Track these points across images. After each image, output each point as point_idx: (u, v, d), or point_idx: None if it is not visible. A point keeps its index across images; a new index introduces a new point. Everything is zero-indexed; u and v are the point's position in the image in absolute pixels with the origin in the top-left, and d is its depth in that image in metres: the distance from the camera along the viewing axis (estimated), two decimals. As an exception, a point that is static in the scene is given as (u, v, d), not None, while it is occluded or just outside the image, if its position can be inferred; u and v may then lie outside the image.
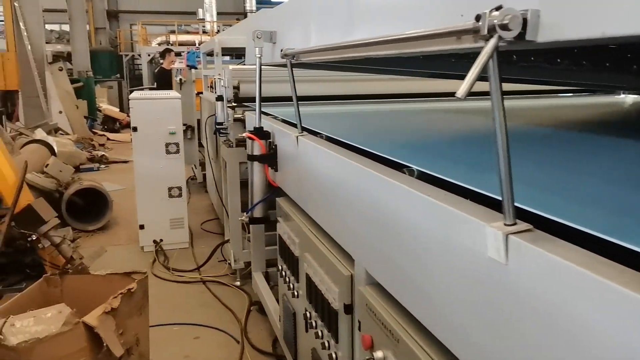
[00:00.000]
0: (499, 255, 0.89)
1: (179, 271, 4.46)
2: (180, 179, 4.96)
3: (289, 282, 2.44)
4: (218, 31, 19.79)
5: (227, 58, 7.27)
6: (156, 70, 11.17)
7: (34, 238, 4.10)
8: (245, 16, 23.28)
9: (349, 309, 1.69)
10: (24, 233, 4.11)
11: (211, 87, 6.30)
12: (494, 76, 0.85)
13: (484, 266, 0.94)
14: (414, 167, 1.47)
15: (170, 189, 4.92)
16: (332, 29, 1.86)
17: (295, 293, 2.31)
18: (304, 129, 2.26)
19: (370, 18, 1.58)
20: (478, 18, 0.84)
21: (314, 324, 2.02)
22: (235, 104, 4.03)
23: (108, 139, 12.74)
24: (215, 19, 20.78)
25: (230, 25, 20.02)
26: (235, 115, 3.93)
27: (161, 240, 4.93)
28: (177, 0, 25.45)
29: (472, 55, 0.87)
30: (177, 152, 4.88)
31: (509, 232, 0.87)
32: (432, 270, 1.15)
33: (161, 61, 10.29)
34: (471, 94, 0.85)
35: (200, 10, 21.51)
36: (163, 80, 9.42)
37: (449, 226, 1.07)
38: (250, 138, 2.64)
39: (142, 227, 4.91)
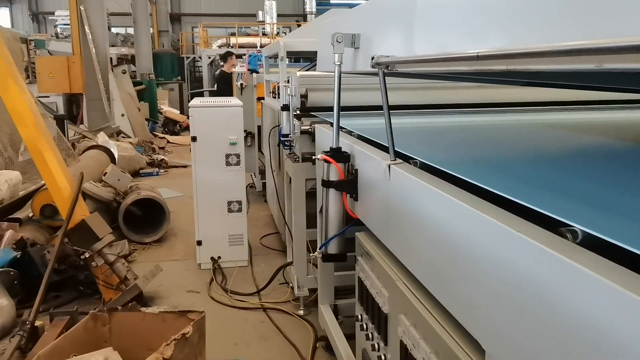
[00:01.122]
0: None
1: (238, 294, 4.12)
2: (240, 192, 4.63)
3: (372, 338, 2.01)
4: (278, 33, 19.65)
5: (286, 62, 6.91)
6: (216, 73, 11.02)
7: (87, 256, 3.87)
8: (305, 18, 23.06)
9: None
10: (77, 250, 3.89)
11: (273, 92, 5.97)
12: None
13: None
14: (578, 227, 1.01)
15: (229, 203, 4.60)
16: (446, 34, 1.42)
17: (382, 357, 1.87)
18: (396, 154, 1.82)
19: (510, 21, 1.13)
20: None
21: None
22: (301, 114, 3.65)
23: (168, 141, 12.73)
24: (275, 21, 20.63)
25: (290, 28, 19.89)
26: (302, 127, 3.54)
27: (219, 257, 4.62)
28: (237, 3, 25.59)
29: None
30: (238, 163, 4.55)
31: None
32: None
33: (221, 64, 10.09)
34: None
35: (260, 13, 21.44)
36: (223, 83, 9.20)
37: None
38: (326, 161, 2.22)
39: (199, 243, 4.61)
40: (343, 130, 2.86)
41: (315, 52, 5.48)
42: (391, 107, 3.49)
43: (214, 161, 4.50)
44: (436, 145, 2.30)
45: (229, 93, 8.14)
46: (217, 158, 4.50)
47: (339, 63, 2.18)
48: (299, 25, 18.03)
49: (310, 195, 3.85)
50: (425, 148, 2.20)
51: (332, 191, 2.26)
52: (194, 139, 4.46)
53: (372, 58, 1.75)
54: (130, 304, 2.82)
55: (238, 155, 4.53)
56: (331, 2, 25.55)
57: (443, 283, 1.43)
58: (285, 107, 3.74)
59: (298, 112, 3.64)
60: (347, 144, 2.35)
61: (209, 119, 4.45)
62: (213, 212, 4.58)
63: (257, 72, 7.12)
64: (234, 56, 9.62)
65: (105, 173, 5.44)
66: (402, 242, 1.73)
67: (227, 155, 4.51)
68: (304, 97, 3.63)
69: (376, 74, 2.50)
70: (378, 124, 3.09)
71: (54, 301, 4.11)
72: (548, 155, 2.11)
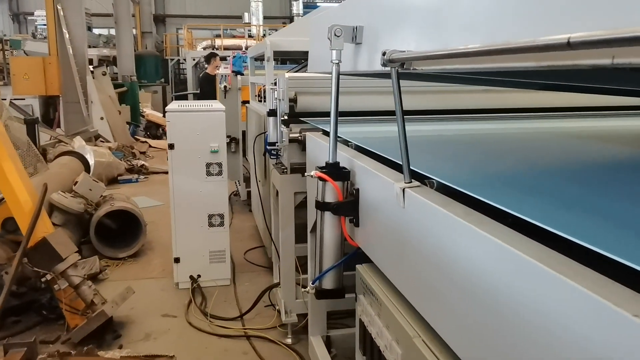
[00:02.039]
0: None
1: (218, 319, 3.72)
2: (222, 205, 4.23)
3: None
4: (264, 35, 19.25)
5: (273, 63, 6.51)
6: (200, 76, 10.60)
7: (48, 278, 3.45)
8: (292, 20, 22.71)
9: None
10: (38, 272, 3.47)
11: (259, 95, 5.59)
12: None
13: None
14: None
15: (210, 216, 4.20)
16: (492, 18, 1.05)
17: None
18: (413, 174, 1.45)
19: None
20: None
21: None
22: (288, 119, 3.28)
23: (150, 146, 12.27)
24: (261, 23, 20.24)
25: (276, 30, 19.50)
26: (291, 135, 3.17)
27: (199, 276, 4.21)
28: (223, 5, 25.14)
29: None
30: (220, 173, 4.15)
31: None
32: None
33: (206, 66, 9.68)
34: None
35: (246, 14, 21.03)
36: (207, 86, 8.79)
37: None
38: (321, 178, 1.85)
39: (177, 260, 4.20)
40: (339, 139, 2.50)
41: (305, 52, 5.12)
42: (387, 113, 3.15)
43: (193, 171, 4.10)
44: (452, 159, 1.93)
45: (213, 96, 7.73)
46: (197, 167, 4.10)
47: (337, 61, 1.81)
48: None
49: (300, 204, 3.48)
50: (440, 163, 1.84)
51: (328, 215, 1.88)
52: (171, 146, 4.05)
53: (383, 54, 1.38)
54: (87, 347, 2.41)
55: (220, 165, 4.13)
56: (318, 4, 25.27)
57: (477, 346, 1.06)
58: (272, 113, 3.36)
59: (286, 117, 3.27)
60: (345, 157, 1.98)
61: (188, 124, 4.05)
62: (192, 227, 4.18)
63: (242, 74, 6.72)
64: (218, 58, 9.22)
65: (76, 182, 5.01)
66: (421, 287, 1.36)
67: (208, 165, 4.11)
68: (293, 101, 3.26)
69: (382, 75, 2.13)
70: (377, 133, 2.73)
71: (13, 327, 3.69)
72: (583, 170, 1.77)
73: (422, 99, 3.13)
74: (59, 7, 9.73)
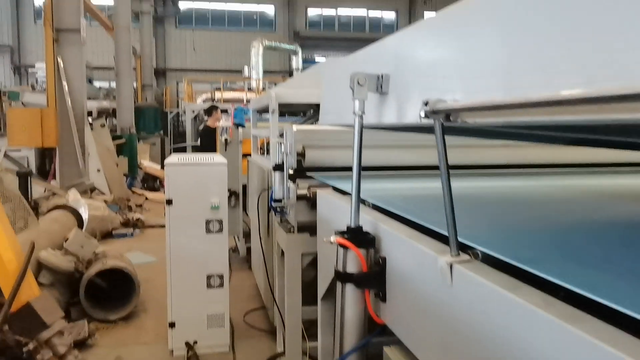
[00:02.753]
0: None
1: (217, 393, 3.39)
2: (222, 264, 3.95)
3: None
4: (264, 88, 19.40)
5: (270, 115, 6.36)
6: (200, 128, 10.50)
7: (31, 348, 3.14)
8: (291, 74, 22.98)
9: None
10: (20, 341, 3.16)
11: (261, 149, 5.41)
12: None
13: None
14: None
15: (209, 277, 3.91)
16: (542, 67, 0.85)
17: None
18: (460, 246, 1.21)
19: None
20: None
21: None
22: (295, 174, 3.07)
23: (146, 198, 12.03)
24: (261, 77, 20.43)
25: (275, 83, 19.67)
26: (299, 191, 2.95)
27: (195, 342, 3.89)
28: (223, 59, 25.55)
29: None
30: (220, 230, 3.90)
31: None
32: None
33: (205, 118, 9.58)
34: None
35: (245, 68, 21.27)
36: (207, 138, 8.63)
37: None
38: (342, 245, 1.61)
39: (172, 325, 3.88)
40: (345, 194, 2.28)
41: (309, 104, 4.96)
42: (401, 167, 2.94)
43: (192, 228, 3.85)
44: (487, 221, 1.71)
45: (213, 148, 7.57)
46: (196, 224, 3.85)
47: (360, 113, 1.61)
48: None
49: (312, 269, 3.22)
50: (476, 228, 1.60)
51: (350, 288, 1.63)
52: (169, 202, 3.82)
53: (425, 103, 1.17)
54: None
55: (220, 222, 3.88)
56: (316, 59, 25.67)
57: None
58: (279, 167, 3.15)
59: (292, 172, 3.06)
60: (367, 220, 1.75)
61: (188, 178, 3.83)
62: (189, 288, 3.89)
63: (244, 127, 6.58)
64: (219, 110, 9.12)
65: (67, 239, 4.75)
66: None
67: (208, 221, 3.87)
68: (301, 155, 3.06)
69: (408, 128, 1.94)
70: (395, 190, 2.51)
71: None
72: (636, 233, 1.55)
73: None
74: (59, 60, 9.70)
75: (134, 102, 16.62)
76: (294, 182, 3.04)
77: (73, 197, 8.19)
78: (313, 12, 27.14)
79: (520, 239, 1.49)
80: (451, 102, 1.12)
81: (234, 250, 6.95)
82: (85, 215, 6.79)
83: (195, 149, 14.75)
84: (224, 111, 10.16)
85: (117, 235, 8.29)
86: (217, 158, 4.15)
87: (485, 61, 1.13)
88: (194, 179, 3.82)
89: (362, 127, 1.64)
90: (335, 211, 2.23)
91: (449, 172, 1.21)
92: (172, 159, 4.02)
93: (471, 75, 1.17)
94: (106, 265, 4.60)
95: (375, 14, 27.50)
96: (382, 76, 1.62)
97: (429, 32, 1.43)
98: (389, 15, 27.68)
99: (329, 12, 27.17)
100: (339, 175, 2.81)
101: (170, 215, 3.82)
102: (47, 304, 3.23)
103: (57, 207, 6.10)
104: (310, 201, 2.92)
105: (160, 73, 24.95)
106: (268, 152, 4.82)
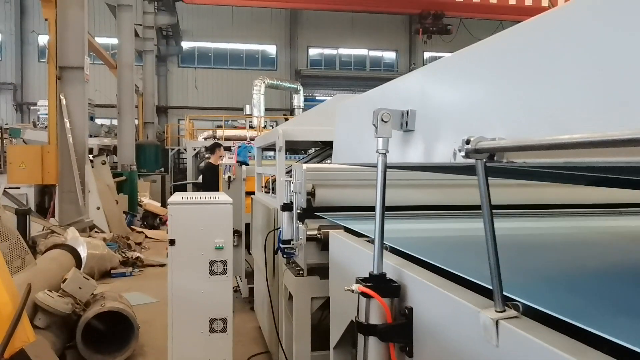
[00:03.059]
0: None
1: None
2: (226, 307, 3.79)
3: None
4: (265, 126, 19.48)
5: (271, 153, 6.21)
6: (202, 165, 10.43)
7: (22, 399, 2.96)
8: (292, 112, 23.13)
9: None
10: (10, 391, 2.98)
11: (265, 187, 5.31)
12: None
13: None
14: None
15: (212, 321, 3.75)
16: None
17: None
18: (506, 300, 1.09)
19: None
20: None
21: None
22: (303, 214, 2.96)
23: (146, 236, 11.86)
24: (262, 115, 20.55)
25: (277, 122, 19.74)
26: (308, 232, 2.84)
27: (197, 391, 3.69)
28: (225, 97, 25.76)
29: None
30: (225, 272, 3.75)
31: None
32: None
33: (207, 155, 9.52)
34: None
35: (247, 106, 21.42)
36: (209, 176, 8.54)
37: None
38: (365, 294, 1.48)
39: (172, 372, 3.70)
40: (360, 236, 2.16)
41: (315, 142, 4.88)
42: (418, 208, 2.82)
43: (195, 269, 3.70)
44: (527, 268, 1.58)
45: (215, 186, 7.47)
46: (200, 265, 3.71)
47: (384, 151, 1.51)
48: (286, 119, 17.88)
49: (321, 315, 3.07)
50: (518, 276, 1.48)
51: (373, 341, 1.50)
52: (172, 242, 3.68)
53: (467, 142, 1.07)
54: None
55: (225, 262, 3.74)
56: (317, 98, 25.87)
57: None
58: (287, 207, 3.04)
59: (300, 212, 2.95)
60: (390, 266, 1.63)
61: (192, 218, 3.71)
62: (191, 333, 3.71)
63: (247, 165, 6.49)
64: (222, 147, 9.07)
65: (65, 279, 4.59)
66: None
67: (212, 262, 3.73)
68: (311, 194, 2.96)
69: (434, 168, 1.84)
70: (412, 232, 2.40)
71: None
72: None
73: (452, 192, 2.84)
74: (61, 97, 9.71)
75: (135, 140, 16.64)
76: (303, 222, 2.93)
77: (72, 235, 8.05)
78: (314, 51, 27.50)
79: (557, 287, 1.37)
80: (497, 140, 1.02)
81: (235, 290, 6.75)
82: (84, 254, 6.63)
83: (197, 187, 14.68)
84: (227, 149, 10.11)
85: (115, 274, 8.11)
86: (222, 197, 4.04)
87: (530, 98, 1.04)
88: (198, 219, 3.70)
89: (385, 166, 1.53)
90: (350, 255, 2.11)
91: (493, 217, 1.09)
92: (176, 197, 3.91)
93: (514, 112, 1.07)
94: (104, 307, 4.43)
95: (375, 53, 27.86)
96: (407, 112, 1.52)
97: (460, 68, 1.34)
98: (390, 55, 28.04)
99: (329, 51, 27.52)
100: (349, 216, 2.70)
101: (173, 256, 3.68)
102: (42, 350, 3.08)
103: (55, 246, 5.95)
104: (321, 243, 2.80)
105: (162, 110, 25.11)
106: (273, 191, 4.72)
